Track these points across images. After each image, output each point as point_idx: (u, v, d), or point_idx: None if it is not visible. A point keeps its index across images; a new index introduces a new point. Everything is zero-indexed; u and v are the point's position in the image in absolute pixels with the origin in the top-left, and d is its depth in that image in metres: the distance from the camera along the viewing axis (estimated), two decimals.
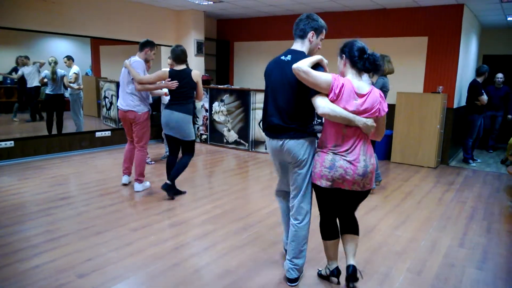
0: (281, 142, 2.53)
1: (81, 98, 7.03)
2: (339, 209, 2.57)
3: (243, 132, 7.18)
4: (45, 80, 6.51)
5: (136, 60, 4.41)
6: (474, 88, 6.49)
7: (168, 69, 4.30)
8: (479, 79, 6.50)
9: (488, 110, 7.08)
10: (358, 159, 2.32)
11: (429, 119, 6.17)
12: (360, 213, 4.08)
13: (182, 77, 4.17)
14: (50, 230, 3.38)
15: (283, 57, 2.55)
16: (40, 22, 5.81)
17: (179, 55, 4.20)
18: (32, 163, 5.70)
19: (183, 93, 4.19)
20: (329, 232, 2.58)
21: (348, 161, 2.32)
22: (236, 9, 7.53)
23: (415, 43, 6.63)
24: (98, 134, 6.89)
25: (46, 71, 6.51)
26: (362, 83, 2.35)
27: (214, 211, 3.99)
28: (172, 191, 4.31)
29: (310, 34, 2.52)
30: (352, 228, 2.59)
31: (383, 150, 6.60)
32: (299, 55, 2.46)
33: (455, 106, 6.56)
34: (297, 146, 2.49)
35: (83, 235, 3.32)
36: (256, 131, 7.00)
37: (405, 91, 6.60)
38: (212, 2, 6.95)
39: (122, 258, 2.93)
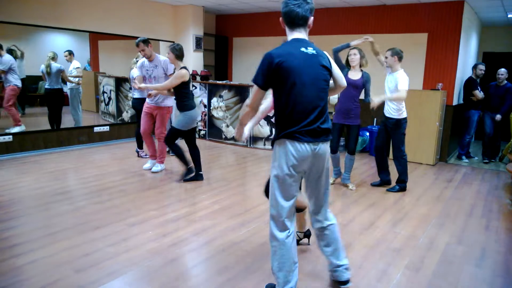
0: (314, 147, 2.18)
1: (80, 93, 6.99)
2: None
3: None
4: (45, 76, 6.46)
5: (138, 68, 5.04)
6: (468, 84, 6.53)
7: (185, 70, 4.49)
8: (474, 76, 6.56)
9: (487, 110, 6.58)
10: None
11: (428, 116, 6.16)
12: (359, 209, 4.08)
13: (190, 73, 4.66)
14: (47, 225, 3.37)
15: (303, 49, 2.13)
16: (38, 17, 5.76)
17: (183, 53, 4.58)
18: (30, 158, 5.68)
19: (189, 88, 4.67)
20: None
21: None
22: (236, 5, 7.49)
23: (415, 39, 6.60)
24: (96, 129, 6.86)
25: (42, 66, 6.47)
26: None
27: (212, 207, 3.98)
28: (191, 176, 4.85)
29: (311, 19, 2.17)
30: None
31: None
32: (317, 48, 2.21)
33: (454, 103, 6.55)
34: (327, 149, 2.29)
35: (80, 230, 3.31)
36: (255, 127, 6.97)
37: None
38: None
39: (119, 253, 2.93)
